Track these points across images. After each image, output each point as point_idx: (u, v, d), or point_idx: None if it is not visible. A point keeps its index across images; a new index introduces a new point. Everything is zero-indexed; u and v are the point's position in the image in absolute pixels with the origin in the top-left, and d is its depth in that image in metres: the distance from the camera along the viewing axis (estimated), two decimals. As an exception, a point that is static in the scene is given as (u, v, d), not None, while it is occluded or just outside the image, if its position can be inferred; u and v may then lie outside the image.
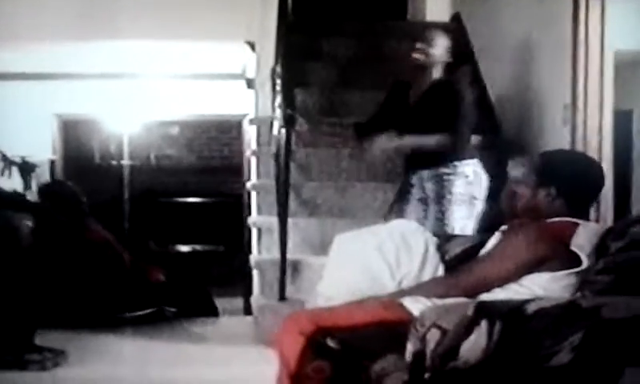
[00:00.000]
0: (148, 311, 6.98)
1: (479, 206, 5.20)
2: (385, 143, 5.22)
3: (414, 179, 5.37)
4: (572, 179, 3.49)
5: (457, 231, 4.97)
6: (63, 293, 6.77)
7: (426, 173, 5.27)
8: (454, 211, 5.14)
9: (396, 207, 5.45)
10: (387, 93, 5.64)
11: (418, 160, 5.33)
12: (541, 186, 3.49)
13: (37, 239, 5.57)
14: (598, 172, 3.68)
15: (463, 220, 5.12)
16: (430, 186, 5.26)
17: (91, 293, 6.90)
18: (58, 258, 6.61)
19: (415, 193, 5.37)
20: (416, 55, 5.24)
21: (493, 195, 5.66)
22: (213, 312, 7.61)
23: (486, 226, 4.81)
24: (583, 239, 3.27)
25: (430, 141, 5.11)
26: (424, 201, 5.33)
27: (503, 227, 3.58)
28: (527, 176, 3.57)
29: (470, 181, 5.16)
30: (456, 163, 5.16)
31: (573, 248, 3.24)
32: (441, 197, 5.17)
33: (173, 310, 7.10)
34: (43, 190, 7.73)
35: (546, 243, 3.28)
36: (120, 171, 12.74)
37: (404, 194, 5.43)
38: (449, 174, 5.16)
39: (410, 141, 5.22)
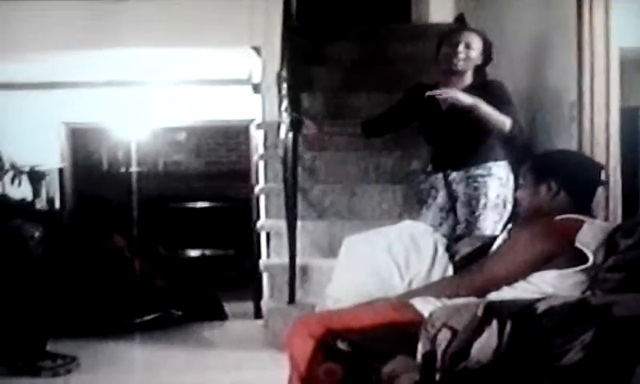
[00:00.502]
0: (155, 315, 6.99)
1: (509, 209, 5.07)
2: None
3: (440, 181, 5.23)
4: (570, 172, 3.52)
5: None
6: (74, 300, 6.80)
7: (456, 174, 5.11)
8: (488, 215, 4.95)
9: (417, 208, 5.37)
10: (405, 94, 5.55)
11: (445, 160, 5.23)
12: (541, 183, 3.51)
13: (46, 248, 5.59)
14: (593, 165, 3.74)
15: (496, 224, 4.93)
16: (461, 189, 5.08)
17: (101, 299, 6.92)
18: (68, 266, 6.64)
19: (441, 195, 5.20)
20: (458, 60, 5.10)
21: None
22: (221, 316, 7.63)
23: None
24: (589, 236, 3.27)
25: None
26: (451, 203, 5.15)
27: (509, 226, 3.59)
28: (527, 177, 3.60)
29: (503, 183, 4.98)
30: (490, 164, 5.01)
31: (578, 245, 3.24)
32: (474, 200, 5.00)
33: (179, 313, 7.11)
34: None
35: (552, 240, 3.29)
36: (128, 178, 12.74)
37: (429, 196, 5.29)
38: (483, 176, 5.00)
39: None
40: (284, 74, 6.14)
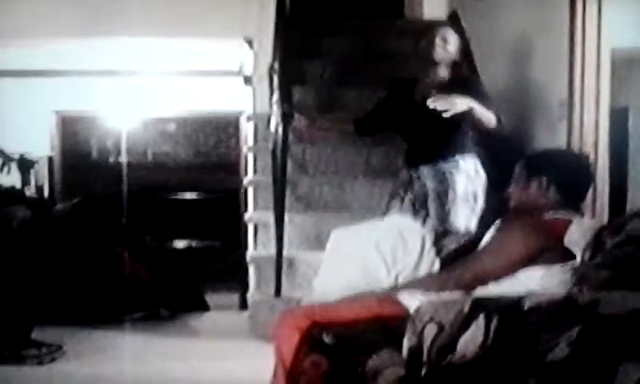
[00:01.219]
0: (144, 313, 6.98)
1: (480, 203, 5.14)
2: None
3: (413, 175, 5.31)
4: (561, 169, 3.53)
5: (460, 229, 4.89)
6: (60, 288, 6.79)
7: (426, 169, 5.21)
8: (459, 210, 5.03)
9: (394, 204, 5.41)
10: (388, 90, 5.59)
11: (417, 154, 5.29)
12: (532, 179, 3.53)
13: (33, 234, 5.58)
14: (586, 165, 3.72)
15: (466, 218, 5.02)
16: (430, 183, 5.17)
17: (88, 291, 6.91)
18: (54, 254, 6.62)
19: (415, 189, 5.29)
20: (436, 52, 5.19)
21: (489, 192, 5.68)
22: (202, 306, 7.62)
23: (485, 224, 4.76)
24: (577, 235, 3.28)
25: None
26: (423, 198, 5.24)
27: (498, 222, 3.59)
28: (519, 173, 3.62)
29: (471, 177, 5.09)
30: (457, 158, 5.09)
31: (566, 243, 3.25)
32: (443, 194, 5.07)
33: (168, 313, 7.09)
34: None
35: (540, 237, 3.30)
36: (118, 168, 12.72)
37: (403, 191, 5.37)
38: (451, 170, 5.08)
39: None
40: (276, 66, 6.14)
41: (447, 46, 5.19)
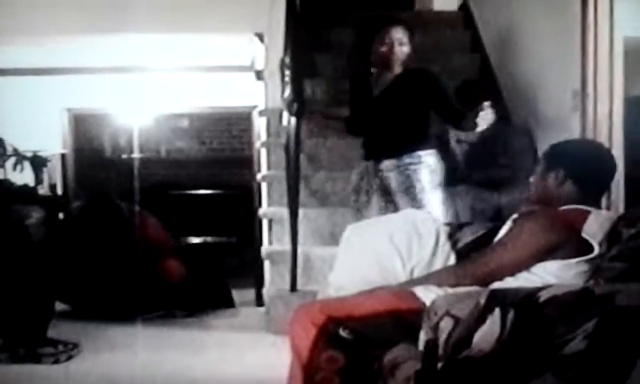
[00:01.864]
0: (160, 313, 6.97)
1: (440, 194, 5.16)
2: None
3: (372, 169, 5.28)
4: (579, 162, 3.49)
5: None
6: (75, 286, 6.80)
7: (388, 163, 5.19)
8: (430, 200, 5.06)
9: (360, 198, 5.37)
10: (350, 85, 5.58)
11: (378, 149, 5.28)
12: (549, 170, 3.50)
13: (47, 232, 5.59)
14: (608, 157, 3.65)
15: (433, 209, 4.98)
16: (394, 177, 5.16)
17: (103, 288, 6.92)
18: (69, 252, 6.63)
19: (378, 183, 5.27)
20: (393, 56, 5.19)
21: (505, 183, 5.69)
22: (229, 304, 7.60)
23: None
24: (595, 227, 3.27)
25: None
26: (386, 191, 5.22)
27: (515, 216, 3.57)
28: (540, 164, 3.60)
29: (433, 170, 5.11)
30: (420, 153, 5.11)
31: (584, 235, 3.24)
32: (410, 187, 5.09)
33: (184, 312, 7.07)
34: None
35: (557, 230, 3.28)
36: (130, 164, 12.73)
37: (366, 185, 5.33)
38: (414, 164, 5.10)
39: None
40: (287, 60, 6.13)
41: (403, 48, 5.19)
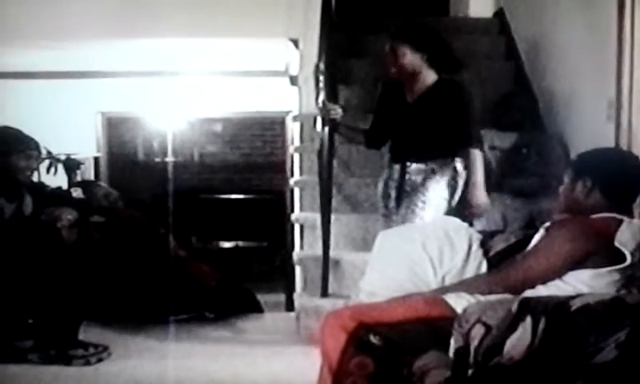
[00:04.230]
0: (190, 315, 6.98)
1: (456, 199, 5.12)
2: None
3: (399, 173, 5.22)
4: (606, 171, 3.47)
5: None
6: (108, 289, 6.82)
7: (415, 166, 5.13)
8: (453, 207, 5.05)
9: (389, 204, 5.34)
10: (378, 96, 5.59)
11: (406, 152, 5.22)
12: (577, 179, 3.49)
13: (80, 235, 5.61)
14: (636, 167, 3.62)
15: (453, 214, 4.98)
16: (422, 181, 5.09)
17: (136, 291, 6.94)
18: (102, 254, 6.66)
19: (405, 188, 5.18)
20: (390, 68, 5.19)
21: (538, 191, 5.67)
22: (257, 309, 7.61)
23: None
24: (627, 235, 3.25)
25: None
26: (414, 196, 5.12)
27: (547, 224, 3.56)
28: (568, 173, 3.58)
29: (460, 174, 5.06)
30: (449, 158, 5.06)
31: (617, 244, 3.22)
32: (437, 192, 5.04)
33: (211, 315, 7.08)
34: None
35: (589, 239, 3.27)
36: (164, 168, 12.81)
37: (394, 191, 5.28)
38: (441, 168, 5.06)
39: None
40: (322, 66, 6.13)
41: (398, 60, 5.15)
